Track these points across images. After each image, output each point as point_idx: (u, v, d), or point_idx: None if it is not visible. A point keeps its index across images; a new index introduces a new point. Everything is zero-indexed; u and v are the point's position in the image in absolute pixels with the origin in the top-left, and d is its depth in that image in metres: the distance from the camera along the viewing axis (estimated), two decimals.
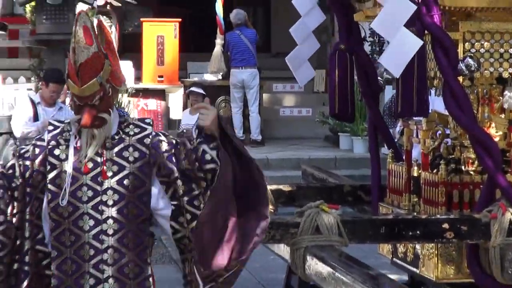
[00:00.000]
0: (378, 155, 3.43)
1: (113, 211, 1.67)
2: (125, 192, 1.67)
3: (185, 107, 8.25)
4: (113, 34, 9.38)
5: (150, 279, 1.71)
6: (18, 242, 1.74)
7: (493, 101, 2.76)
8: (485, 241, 2.30)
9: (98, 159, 1.68)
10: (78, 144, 1.68)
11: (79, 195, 1.65)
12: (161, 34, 9.61)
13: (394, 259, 2.92)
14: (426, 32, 2.59)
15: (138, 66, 9.31)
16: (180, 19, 9.77)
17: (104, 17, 8.90)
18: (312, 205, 2.53)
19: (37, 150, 1.78)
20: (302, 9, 3.60)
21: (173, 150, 1.77)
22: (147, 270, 1.71)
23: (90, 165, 1.67)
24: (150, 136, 1.74)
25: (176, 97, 9.45)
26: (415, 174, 2.91)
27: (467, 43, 2.65)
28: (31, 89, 8.97)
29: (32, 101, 6.69)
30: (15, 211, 1.72)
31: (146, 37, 9.56)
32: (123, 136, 1.73)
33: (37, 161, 1.74)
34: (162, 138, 1.83)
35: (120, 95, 8.40)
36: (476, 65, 2.49)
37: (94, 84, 1.59)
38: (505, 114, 2.72)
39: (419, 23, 2.55)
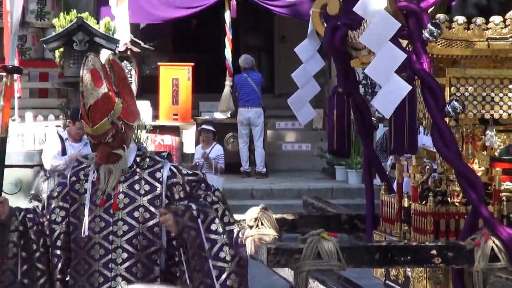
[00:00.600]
0: (372, 187, 3.34)
1: (122, 241, 1.62)
2: (135, 224, 1.62)
3: (197, 142, 8.25)
4: (133, 77, 9.47)
5: None
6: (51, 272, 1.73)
7: (476, 140, 2.71)
8: (469, 266, 2.26)
9: (112, 192, 1.64)
10: (95, 178, 1.65)
11: (93, 226, 1.62)
12: (176, 76, 9.59)
13: (387, 281, 2.87)
14: (416, 77, 2.51)
15: (155, 105, 9.36)
16: (192, 63, 9.78)
17: (125, 61, 8.99)
18: (314, 233, 2.47)
19: (59, 188, 1.80)
20: (303, 56, 3.56)
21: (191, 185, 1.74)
22: None
23: (105, 197, 1.64)
24: (162, 170, 1.70)
25: (189, 133, 9.46)
26: (406, 205, 2.86)
27: (453, 88, 2.64)
28: (59, 126, 9.01)
29: (61, 137, 6.73)
30: (47, 243, 1.71)
31: (163, 79, 9.60)
32: (137, 169, 1.68)
33: (60, 198, 1.74)
34: (175, 173, 1.77)
35: (139, 131, 8.36)
36: (461, 108, 2.44)
37: (105, 124, 1.55)
38: (487, 152, 2.68)
39: (410, 70, 2.45)
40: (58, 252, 1.71)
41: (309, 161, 9.60)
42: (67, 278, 1.72)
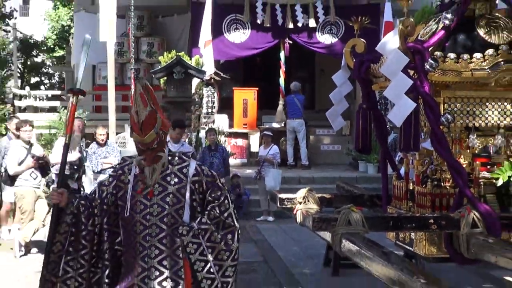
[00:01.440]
0: (386, 176, 3.22)
1: (156, 220, 1.51)
2: (166, 206, 1.50)
3: (260, 144, 8.11)
4: (215, 98, 9.26)
5: (182, 269, 1.51)
6: (97, 245, 1.61)
7: (462, 142, 2.61)
8: (457, 231, 2.20)
9: (159, 179, 1.53)
10: (137, 172, 1.54)
11: (135, 208, 1.50)
12: (245, 97, 9.63)
13: (397, 242, 2.83)
14: (419, 97, 2.41)
15: (230, 117, 9.45)
16: (257, 88, 9.73)
17: (210, 86, 8.80)
18: (345, 207, 2.51)
19: (111, 179, 1.67)
20: (338, 82, 3.49)
21: (206, 177, 1.60)
22: (181, 263, 1.52)
23: (144, 187, 1.53)
24: (188, 167, 1.57)
25: (254, 138, 9.17)
26: (411, 188, 2.77)
27: (446, 104, 2.53)
28: None
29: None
30: (96, 222, 1.58)
31: (236, 99, 9.69)
32: (169, 165, 1.56)
33: (111, 186, 1.61)
34: (203, 169, 1.63)
35: (219, 135, 8.31)
36: (451, 119, 2.38)
37: (152, 134, 1.46)
38: (470, 150, 2.58)
39: (415, 92, 2.39)
40: (108, 228, 1.60)
41: (339, 158, 9.23)
42: (116, 247, 1.61)
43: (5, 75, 14.31)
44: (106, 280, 1.54)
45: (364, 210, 2.85)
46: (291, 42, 9.15)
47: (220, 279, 1.48)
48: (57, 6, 18.36)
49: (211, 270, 1.49)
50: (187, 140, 6.58)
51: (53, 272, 1.57)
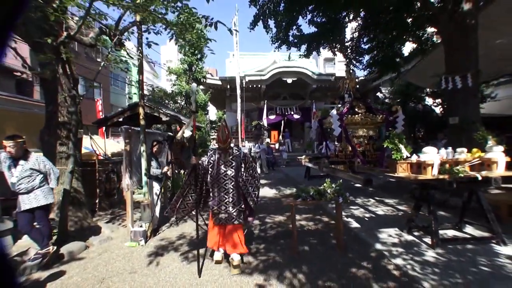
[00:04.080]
0: (327, 152, 7.88)
1: (231, 176, 3.18)
2: (234, 170, 3.21)
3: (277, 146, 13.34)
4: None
5: (241, 197, 3.24)
6: (200, 183, 3.35)
7: (355, 140, 7.26)
8: (351, 165, 6.42)
9: (229, 159, 3.22)
10: (218, 156, 3.24)
11: (220, 171, 3.17)
12: (274, 133, 14.44)
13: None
14: (342, 128, 6.62)
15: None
16: (277, 131, 15.03)
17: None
18: (322, 157, 6.88)
19: (205, 158, 3.26)
20: (313, 128, 7.87)
21: (246, 157, 3.29)
22: (240, 193, 3.23)
23: (225, 161, 3.19)
24: (240, 152, 3.26)
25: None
26: (335, 154, 7.35)
27: (349, 129, 7.04)
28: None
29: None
30: (201, 175, 3.32)
31: (272, 135, 14.52)
32: (233, 152, 3.24)
33: (205, 162, 3.26)
34: (245, 153, 3.25)
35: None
36: (351, 133, 7.04)
37: (229, 142, 3.10)
38: (356, 143, 7.24)
39: (341, 127, 6.47)
40: (204, 178, 3.27)
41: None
42: (207, 186, 3.30)
43: None
44: (204, 199, 3.40)
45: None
46: (286, 119, 17.03)
47: (254, 198, 3.40)
48: None
49: (252, 194, 3.34)
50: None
51: (182, 194, 3.37)
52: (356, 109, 6.86)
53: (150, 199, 5.02)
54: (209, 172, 3.30)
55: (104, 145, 8.63)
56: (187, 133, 2.94)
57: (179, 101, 13.05)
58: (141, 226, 4.87)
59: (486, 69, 6.92)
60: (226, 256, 3.66)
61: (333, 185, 3.95)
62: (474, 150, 4.39)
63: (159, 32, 4.80)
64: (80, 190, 5.31)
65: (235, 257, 3.40)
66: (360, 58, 10.41)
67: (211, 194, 3.31)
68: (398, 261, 3.62)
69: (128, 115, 7.63)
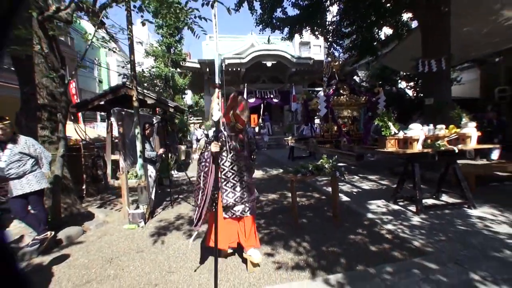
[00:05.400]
0: (312, 134, 8.21)
1: (241, 157, 2.99)
2: (247, 154, 3.05)
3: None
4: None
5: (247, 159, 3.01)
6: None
7: (340, 121, 7.62)
8: (337, 143, 6.93)
9: (239, 143, 2.94)
10: (229, 140, 2.87)
11: (234, 158, 2.92)
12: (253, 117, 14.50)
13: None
14: (328, 109, 7.04)
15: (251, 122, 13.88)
16: (256, 115, 15.06)
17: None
18: (311, 138, 7.17)
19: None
20: (298, 110, 8.13)
21: (250, 138, 3.05)
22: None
23: (232, 147, 2.89)
24: (244, 135, 2.97)
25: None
26: (321, 135, 7.71)
27: (335, 110, 7.42)
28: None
29: None
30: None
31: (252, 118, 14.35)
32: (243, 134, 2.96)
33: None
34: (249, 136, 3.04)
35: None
36: (337, 114, 7.40)
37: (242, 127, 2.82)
38: (341, 123, 7.63)
39: (328, 107, 7.03)
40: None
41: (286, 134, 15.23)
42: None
43: None
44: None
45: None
46: (265, 102, 17.20)
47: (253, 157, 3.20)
48: None
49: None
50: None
51: (204, 195, 2.80)
52: (341, 91, 7.18)
53: (146, 181, 5.00)
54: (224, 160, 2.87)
55: (84, 130, 8.32)
56: (217, 114, 2.67)
57: (159, 84, 12.64)
58: (137, 208, 4.88)
59: (454, 54, 7.45)
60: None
61: (330, 160, 4.21)
62: (451, 126, 4.84)
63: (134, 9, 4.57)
64: (67, 176, 5.18)
65: (255, 254, 2.99)
66: (340, 42, 10.69)
67: (224, 186, 2.87)
68: (389, 226, 4.01)
69: (110, 99, 7.39)
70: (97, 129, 14.74)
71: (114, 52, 6.15)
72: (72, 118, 7.53)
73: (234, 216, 2.92)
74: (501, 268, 2.78)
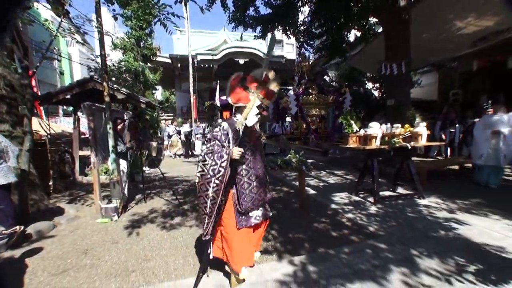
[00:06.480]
0: (283, 130, 8.59)
1: (263, 158, 2.61)
2: (262, 147, 2.68)
3: None
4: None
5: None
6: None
7: (310, 120, 8.12)
8: (306, 140, 7.44)
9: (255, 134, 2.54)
10: (243, 132, 2.37)
11: (255, 154, 2.48)
12: (226, 115, 14.40)
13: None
14: (298, 107, 7.35)
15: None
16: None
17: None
18: (282, 135, 7.59)
19: (226, 135, 2.40)
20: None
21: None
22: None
23: (253, 137, 2.50)
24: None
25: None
26: (291, 132, 8.15)
27: (304, 109, 7.90)
28: None
29: None
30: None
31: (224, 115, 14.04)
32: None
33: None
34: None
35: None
36: (306, 113, 7.89)
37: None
38: (310, 121, 8.11)
39: (298, 106, 7.36)
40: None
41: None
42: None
43: None
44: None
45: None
46: None
47: None
48: None
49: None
50: None
51: (214, 206, 2.33)
52: (310, 90, 7.63)
53: (119, 176, 5.13)
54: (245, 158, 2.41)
55: (48, 125, 8.13)
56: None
57: (128, 79, 12.42)
58: (110, 203, 5.00)
59: (415, 58, 8.26)
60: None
61: (297, 155, 4.63)
62: (406, 125, 5.48)
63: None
64: (32, 172, 5.13)
65: (256, 255, 2.85)
66: (311, 42, 11.20)
67: (242, 189, 2.40)
68: (349, 215, 4.52)
69: (77, 92, 7.35)
70: (61, 124, 14.18)
71: (83, 44, 6.14)
72: (35, 112, 7.35)
73: (251, 224, 2.47)
74: (435, 245, 3.36)
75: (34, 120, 6.52)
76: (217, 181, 2.25)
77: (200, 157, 2.33)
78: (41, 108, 10.39)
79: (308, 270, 2.85)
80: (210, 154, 2.28)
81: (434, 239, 3.50)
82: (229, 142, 2.32)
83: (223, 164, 2.24)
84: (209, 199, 2.28)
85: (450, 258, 3.03)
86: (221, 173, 2.23)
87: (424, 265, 2.91)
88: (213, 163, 2.26)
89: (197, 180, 2.34)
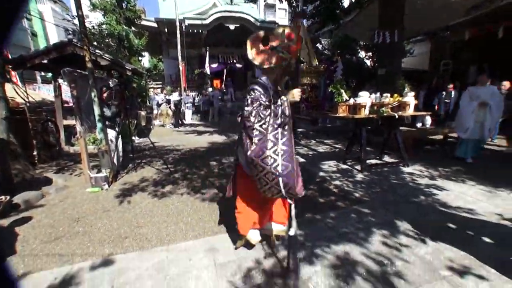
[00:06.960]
0: None
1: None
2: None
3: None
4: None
5: None
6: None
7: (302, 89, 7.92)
8: (312, 114, 7.39)
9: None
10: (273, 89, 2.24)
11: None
12: (217, 82, 14.14)
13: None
14: None
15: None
16: (219, 80, 14.61)
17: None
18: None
19: (262, 95, 2.17)
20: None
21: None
22: None
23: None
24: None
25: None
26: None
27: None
28: None
29: None
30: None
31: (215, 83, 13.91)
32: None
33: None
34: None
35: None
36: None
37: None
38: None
39: None
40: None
41: None
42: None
43: None
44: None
45: None
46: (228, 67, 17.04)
47: None
48: None
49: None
50: None
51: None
52: (302, 59, 7.51)
53: (107, 146, 5.09)
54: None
55: (25, 91, 7.81)
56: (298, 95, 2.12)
57: (111, 44, 11.86)
58: (99, 172, 5.00)
59: (408, 27, 8.13)
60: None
61: None
62: (395, 95, 5.52)
63: None
64: (12, 141, 5.01)
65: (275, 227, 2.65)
66: (304, 8, 10.83)
67: (282, 150, 2.02)
68: (337, 182, 4.69)
69: (54, 57, 6.98)
70: (40, 92, 13.66)
71: (55, 2, 5.76)
72: (7, 77, 7.00)
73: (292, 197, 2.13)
74: (415, 209, 3.56)
75: (8, 86, 6.29)
76: (285, 132, 2.00)
77: (250, 123, 2.09)
78: (15, 73, 9.90)
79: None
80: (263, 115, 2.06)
81: (414, 204, 3.70)
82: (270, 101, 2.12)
83: (285, 114, 2.03)
84: (280, 155, 1.98)
85: (427, 220, 3.24)
86: (286, 124, 2.02)
87: (403, 227, 3.11)
88: (273, 121, 2.05)
89: (252, 148, 2.07)
